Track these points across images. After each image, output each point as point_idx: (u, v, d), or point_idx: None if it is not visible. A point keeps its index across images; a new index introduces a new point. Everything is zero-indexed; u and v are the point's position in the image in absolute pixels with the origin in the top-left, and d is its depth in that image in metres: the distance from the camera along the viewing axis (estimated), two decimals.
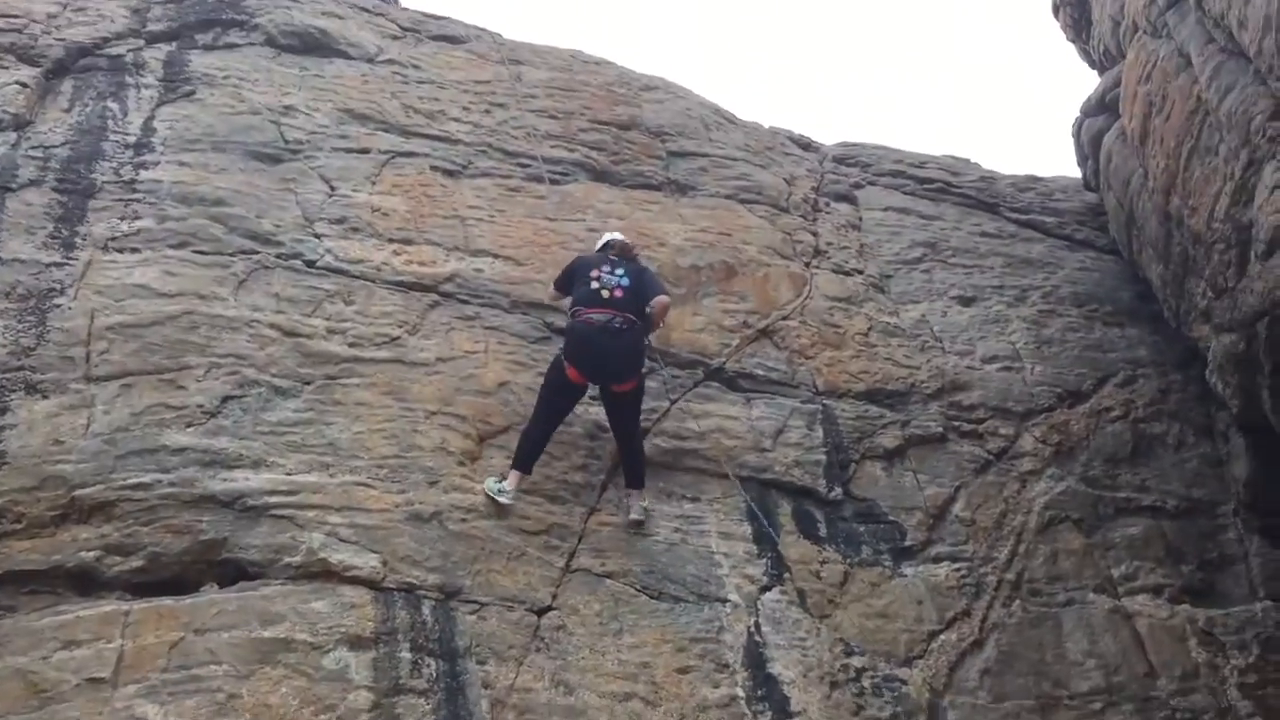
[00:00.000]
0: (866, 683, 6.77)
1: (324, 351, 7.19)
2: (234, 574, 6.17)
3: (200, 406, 6.66)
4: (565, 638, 6.40)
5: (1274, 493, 7.85)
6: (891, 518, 7.70)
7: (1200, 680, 7.19)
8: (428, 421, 7.08)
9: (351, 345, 7.30)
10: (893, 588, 7.32)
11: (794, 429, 7.95)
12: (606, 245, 7.66)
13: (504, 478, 6.86)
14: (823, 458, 7.85)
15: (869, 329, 8.82)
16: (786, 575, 7.16)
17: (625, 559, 6.80)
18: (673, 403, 7.77)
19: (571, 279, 7.43)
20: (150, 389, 6.66)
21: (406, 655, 6.03)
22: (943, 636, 7.14)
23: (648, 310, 7.20)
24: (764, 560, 7.19)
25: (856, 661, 6.86)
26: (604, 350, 6.95)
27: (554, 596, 6.57)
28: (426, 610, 6.25)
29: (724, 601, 6.89)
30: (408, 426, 7.01)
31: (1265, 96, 7.07)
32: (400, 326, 7.57)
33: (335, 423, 6.87)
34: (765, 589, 7.04)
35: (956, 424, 8.36)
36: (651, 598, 6.76)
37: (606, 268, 7.27)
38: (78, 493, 6.14)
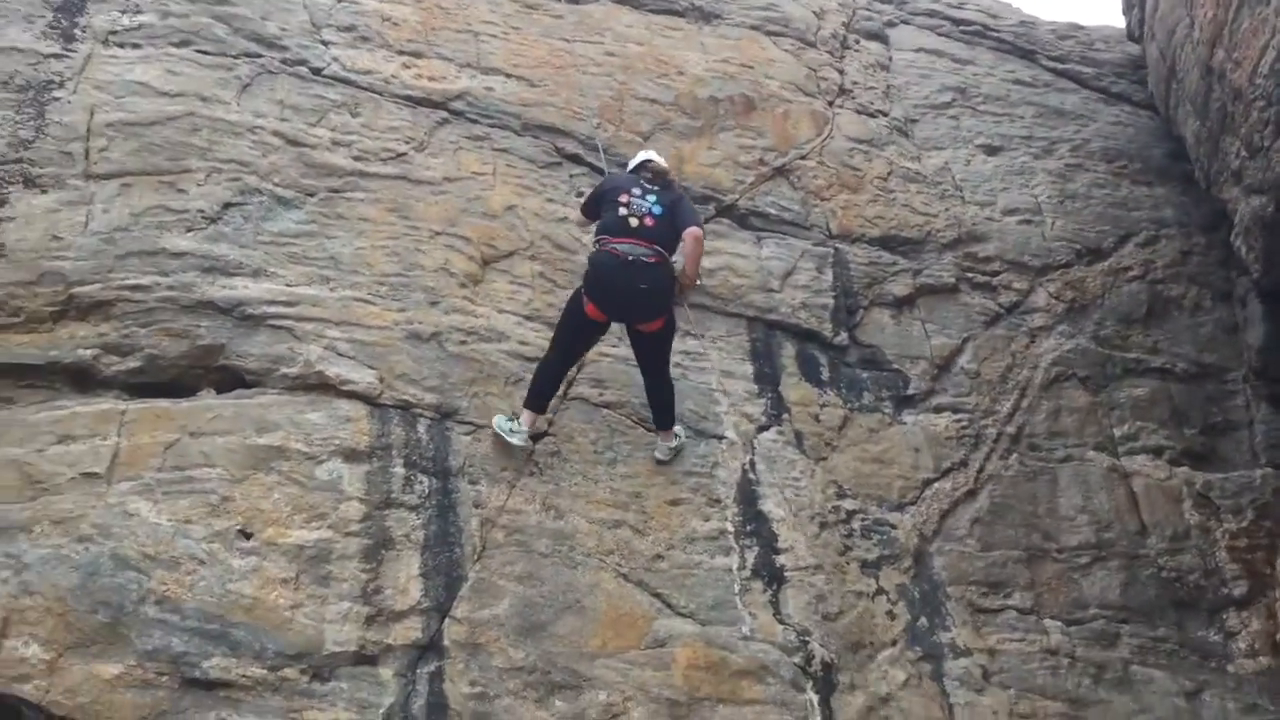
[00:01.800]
0: (856, 525, 6.81)
1: (328, 163, 7.04)
2: (231, 381, 6.17)
3: (201, 211, 6.56)
4: (559, 464, 6.42)
5: None
6: (896, 366, 7.63)
7: (1191, 541, 7.21)
8: (431, 241, 6.97)
9: (357, 159, 7.14)
10: (891, 434, 7.30)
11: (803, 271, 7.82)
12: (640, 166, 6.75)
13: (515, 416, 6.37)
14: (830, 302, 7.75)
15: (889, 173, 8.59)
16: (785, 416, 7.14)
17: (623, 390, 6.76)
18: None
19: (599, 203, 6.55)
20: (150, 190, 6.55)
21: (400, 471, 6.06)
22: (937, 485, 7.15)
23: (679, 245, 6.37)
24: (764, 400, 7.16)
25: (848, 504, 6.88)
26: (629, 287, 6.18)
27: (550, 423, 6.56)
28: (422, 428, 6.26)
29: (720, 438, 6.88)
30: (411, 245, 6.90)
31: None
32: (407, 142, 7.39)
33: (337, 237, 6.77)
34: (763, 428, 7.03)
35: (970, 275, 8.22)
36: (648, 429, 6.74)
37: (637, 192, 6.42)
38: (76, 290, 6.10)
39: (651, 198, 6.40)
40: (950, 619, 6.62)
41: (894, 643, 6.44)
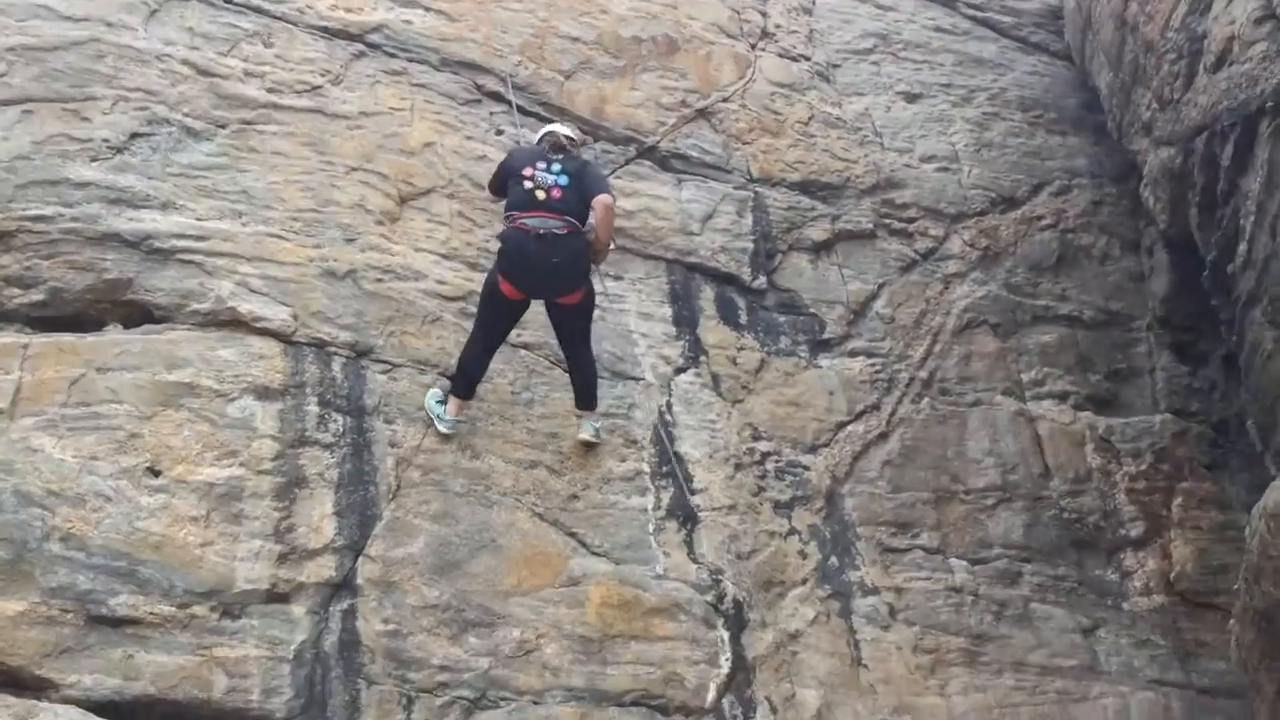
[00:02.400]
0: (770, 466, 6.91)
1: (240, 95, 6.87)
2: (139, 316, 6.04)
3: (106, 141, 6.36)
4: (475, 404, 6.39)
5: (1188, 310, 7.96)
6: (812, 310, 7.71)
7: (1092, 484, 7.44)
8: (347, 177, 6.85)
9: (270, 90, 6.97)
10: (806, 378, 7.39)
11: (723, 214, 7.84)
12: (542, 138, 6.55)
13: (445, 400, 6.25)
14: (750, 245, 7.79)
15: (810, 118, 8.62)
16: (703, 359, 7.19)
17: (542, 332, 6.73)
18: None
19: (505, 180, 6.39)
20: (53, 118, 6.33)
21: (313, 409, 6.00)
22: (850, 428, 7.27)
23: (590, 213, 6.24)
24: (682, 342, 7.20)
25: (763, 446, 6.97)
26: (541, 261, 6.04)
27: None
28: (336, 367, 6.20)
29: (638, 380, 6.92)
30: (326, 180, 6.78)
31: None
32: (322, 75, 7.23)
33: (250, 170, 6.62)
34: (680, 370, 7.08)
35: (888, 221, 8.30)
36: (565, 371, 6.75)
37: (541, 164, 6.22)
38: None
39: (556, 167, 6.22)
40: (860, 558, 6.76)
41: (804, 581, 6.57)
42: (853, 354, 7.60)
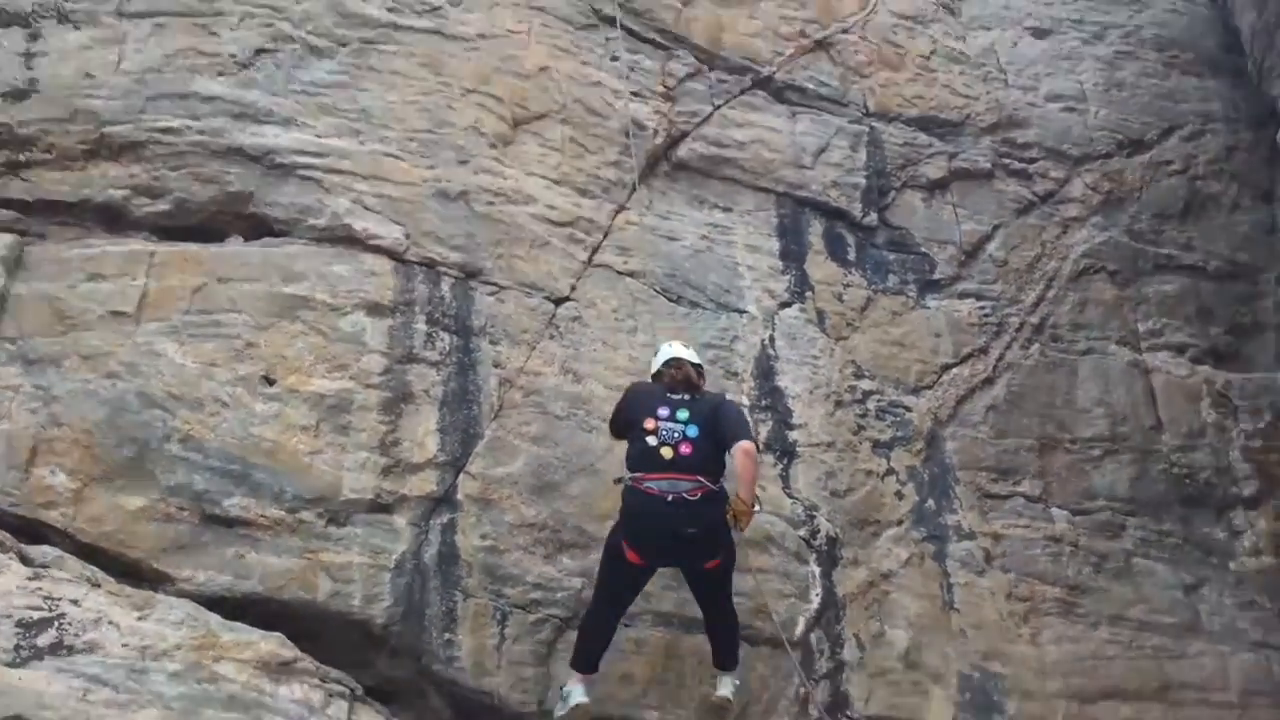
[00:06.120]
0: (871, 405, 6.86)
1: (362, 14, 6.93)
2: (259, 229, 6.21)
3: (233, 56, 6.50)
4: (580, 329, 6.47)
5: None
6: (923, 249, 7.58)
7: (1205, 440, 7.24)
8: (462, 99, 6.90)
9: (391, 10, 7.02)
10: (913, 318, 7.29)
11: (837, 149, 7.71)
12: (662, 370, 5.70)
13: (566, 690, 5.38)
14: (862, 181, 7.66)
15: (931, 52, 8.38)
16: (808, 294, 7.13)
17: (649, 259, 6.77)
18: (716, 108, 7.51)
19: (624, 425, 5.54)
20: (183, 32, 6.48)
21: (422, 327, 6.13)
22: (955, 370, 7.17)
23: (727, 459, 5.30)
24: (788, 276, 7.15)
25: (865, 385, 6.92)
26: (674, 532, 5.17)
27: (573, 288, 6.59)
28: (445, 287, 6.30)
29: (742, 312, 6.90)
30: (442, 101, 6.83)
31: None
32: None
33: (369, 89, 6.71)
34: (785, 305, 7.04)
35: (1006, 161, 8.08)
36: (670, 300, 6.77)
37: (664, 411, 5.36)
38: (107, 129, 6.11)
39: (683, 414, 5.36)
40: (958, 502, 6.71)
41: (900, 522, 6.55)
42: (962, 296, 7.47)
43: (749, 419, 5.64)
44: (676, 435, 5.27)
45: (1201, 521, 6.99)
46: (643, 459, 5.27)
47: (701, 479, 5.19)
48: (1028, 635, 6.40)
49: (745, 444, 5.23)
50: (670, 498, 5.13)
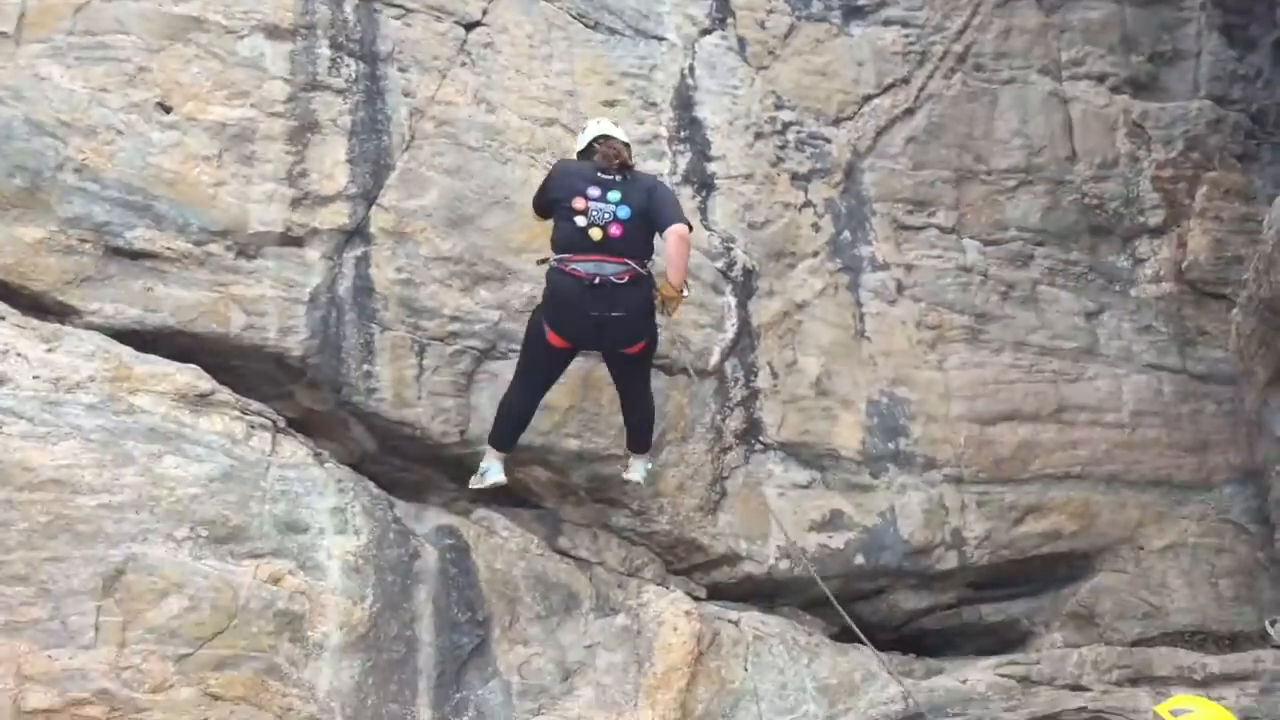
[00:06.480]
0: (791, 136, 6.78)
1: None
2: None
3: None
4: (492, 56, 6.23)
5: None
6: None
7: (1118, 169, 7.28)
8: None
9: None
10: (836, 46, 7.12)
11: None
12: (592, 145, 5.46)
13: (484, 467, 5.42)
14: None
15: None
16: (730, 21, 6.91)
17: None
18: None
19: (550, 205, 5.33)
20: None
21: (325, 52, 5.86)
22: (876, 101, 7.06)
23: (658, 242, 5.22)
24: (709, 2, 6.89)
25: (785, 115, 6.82)
26: (599, 315, 5.07)
27: (485, 12, 6.31)
28: (349, 9, 6.01)
29: (661, 39, 6.69)
30: None
31: None
32: None
33: None
34: (706, 31, 6.83)
35: None
36: (587, 26, 6.53)
37: (594, 191, 5.17)
38: None
39: (614, 195, 5.19)
40: (873, 234, 6.76)
41: (815, 254, 6.61)
42: (887, 23, 7.27)
43: (681, 203, 5.53)
44: (606, 216, 5.15)
45: (1108, 250, 7.14)
46: (570, 240, 5.15)
47: (630, 262, 5.11)
48: (934, 361, 6.60)
49: (679, 227, 5.12)
50: (596, 280, 5.05)
